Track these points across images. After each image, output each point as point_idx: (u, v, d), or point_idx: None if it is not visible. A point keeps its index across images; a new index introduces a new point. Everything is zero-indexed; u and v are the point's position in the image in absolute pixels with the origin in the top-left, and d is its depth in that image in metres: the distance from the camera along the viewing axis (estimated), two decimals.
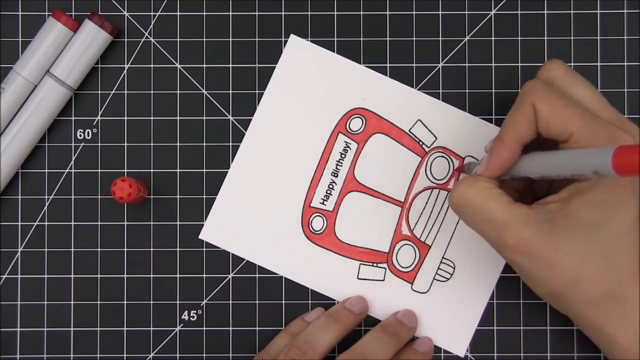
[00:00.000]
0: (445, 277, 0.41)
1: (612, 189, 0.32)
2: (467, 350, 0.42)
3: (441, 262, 0.41)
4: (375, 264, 0.42)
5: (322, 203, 0.42)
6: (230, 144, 0.42)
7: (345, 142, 0.42)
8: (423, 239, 0.42)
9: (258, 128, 0.42)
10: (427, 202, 0.42)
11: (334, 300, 0.42)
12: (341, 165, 0.42)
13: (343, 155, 0.42)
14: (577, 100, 0.34)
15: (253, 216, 0.42)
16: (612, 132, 0.32)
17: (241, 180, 0.42)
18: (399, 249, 0.42)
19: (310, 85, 0.42)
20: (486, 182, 0.34)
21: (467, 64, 0.42)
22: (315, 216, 0.42)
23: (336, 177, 0.42)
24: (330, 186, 0.42)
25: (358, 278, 0.42)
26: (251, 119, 0.42)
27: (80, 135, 0.42)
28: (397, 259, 0.42)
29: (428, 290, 0.41)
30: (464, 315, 0.41)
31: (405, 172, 0.42)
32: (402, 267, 0.42)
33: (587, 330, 0.35)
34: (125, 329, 0.42)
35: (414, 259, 0.42)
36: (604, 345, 0.35)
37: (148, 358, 0.42)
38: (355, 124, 0.42)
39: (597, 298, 0.33)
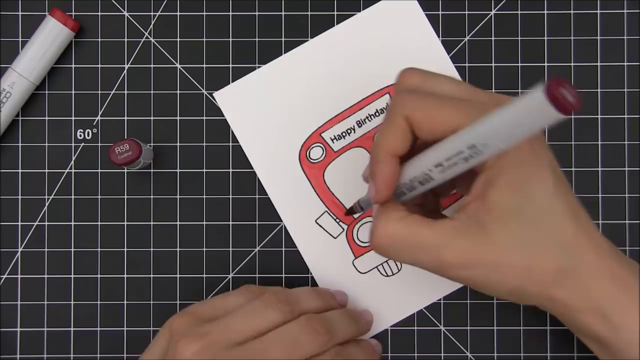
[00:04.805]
0: (386, 274, 0.42)
1: (520, 167, 0.31)
2: (467, 350, 0.42)
3: (387, 261, 0.42)
4: (338, 220, 0.42)
5: (332, 140, 0.42)
6: (230, 144, 0.42)
7: (387, 103, 0.42)
8: None
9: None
10: None
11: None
12: (370, 121, 0.42)
13: (378, 114, 0.42)
14: (447, 95, 0.33)
15: (272, 107, 0.42)
16: (492, 110, 0.30)
17: (284, 71, 0.42)
18: (364, 224, 0.42)
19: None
20: (398, 211, 0.33)
21: (467, 64, 0.42)
22: (318, 146, 0.42)
23: (359, 127, 0.42)
24: (349, 131, 0.42)
25: (316, 222, 0.42)
26: None
27: (80, 135, 0.42)
28: (357, 229, 0.42)
29: (366, 273, 0.42)
30: (391, 307, 0.42)
31: None
32: (357, 240, 0.42)
33: (553, 311, 0.34)
34: (125, 329, 0.42)
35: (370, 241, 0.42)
36: (570, 321, 0.34)
37: None
38: None
39: (554, 276, 0.31)
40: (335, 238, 0.42)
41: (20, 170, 0.42)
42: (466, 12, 0.42)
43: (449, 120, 0.31)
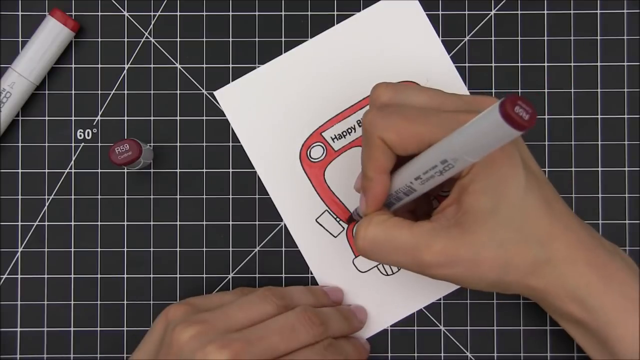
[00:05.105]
0: (386, 273, 0.42)
1: (492, 170, 0.32)
2: (467, 350, 0.42)
3: None
4: (338, 219, 0.42)
5: (333, 139, 0.42)
6: (230, 144, 0.42)
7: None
8: None
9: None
10: None
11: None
12: None
13: None
14: (418, 107, 0.34)
15: (273, 106, 0.42)
16: (461, 119, 0.32)
17: (285, 70, 0.42)
18: None
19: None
20: (380, 215, 0.34)
21: (467, 64, 0.42)
22: (319, 145, 0.42)
23: (360, 126, 0.42)
24: (349, 130, 0.42)
25: (316, 221, 0.42)
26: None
27: (80, 135, 0.42)
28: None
29: (366, 272, 0.42)
30: (391, 307, 0.42)
31: None
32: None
33: (535, 299, 0.35)
34: (125, 329, 0.42)
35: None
36: (550, 308, 0.35)
37: None
38: None
39: (531, 268, 0.33)
40: (335, 237, 0.42)
41: (20, 170, 0.42)
42: (466, 12, 0.42)
43: (419, 136, 0.32)
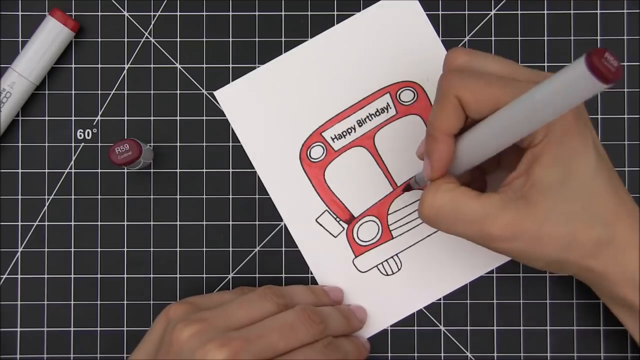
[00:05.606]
0: (386, 273, 0.42)
1: (564, 143, 0.32)
2: (467, 350, 0.42)
3: (391, 257, 0.42)
4: (338, 219, 0.42)
5: (333, 139, 0.42)
6: (230, 144, 0.42)
7: (387, 103, 0.42)
8: (391, 228, 0.42)
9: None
10: (416, 200, 0.42)
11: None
12: (370, 120, 0.42)
13: (378, 113, 0.42)
14: (493, 74, 0.34)
15: (273, 106, 0.42)
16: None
17: (285, 71, 0.42)
18: (366, 222, 0.42)
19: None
20: (449, 183, 0.34)
21: None
22: (319, 145, 0.42)
23: (360, 126, 0.42)
24: (349, 130, 0.42)
25: (316, 221, 0.42)
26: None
27: (80, 135, 0.42)
28: (358, 228, 0.42)
29: (366, 272, 0.42)
30: (391, 307, 0.42)
31: (417, 161, 0.42)
32: (358, 239, 0.42)
33: (588, 281, 0.35)
34: (125, 329, 0.42)
35: (371, 239, 0.42)
36: (604, 291, 0.35)
37: None
38: (406, 96, 0.42)
39: (593, 248, 0.33)
40: (335, 237, 0.42)
41: (20, 170, 0.42)
42: (466, 12, 0.42)
43: (495, 99, 0.32)
